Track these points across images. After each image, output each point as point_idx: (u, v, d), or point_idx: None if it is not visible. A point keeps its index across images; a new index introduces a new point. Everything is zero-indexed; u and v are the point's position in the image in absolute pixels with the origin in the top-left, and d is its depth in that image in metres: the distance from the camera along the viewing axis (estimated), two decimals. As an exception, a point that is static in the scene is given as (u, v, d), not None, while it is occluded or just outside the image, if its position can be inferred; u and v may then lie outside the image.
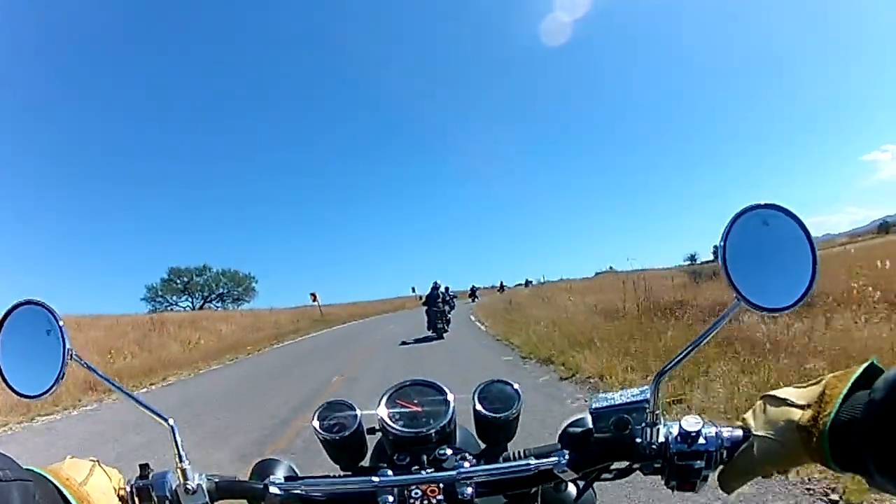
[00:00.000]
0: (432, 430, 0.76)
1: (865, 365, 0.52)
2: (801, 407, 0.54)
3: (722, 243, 0.56)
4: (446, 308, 14.39)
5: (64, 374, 0.62)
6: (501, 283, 50.19)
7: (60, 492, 0.53)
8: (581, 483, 0.68)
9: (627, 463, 0.64)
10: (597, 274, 34.21)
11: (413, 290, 34.10)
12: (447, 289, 25.82)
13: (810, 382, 0.56)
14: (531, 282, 42.94)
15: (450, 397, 0.81)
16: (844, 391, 0.51)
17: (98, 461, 0.61)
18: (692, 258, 42.32)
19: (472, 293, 39.53)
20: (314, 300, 29.81)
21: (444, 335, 13.66)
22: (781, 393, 0.57)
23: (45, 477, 0.53)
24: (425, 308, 14.13)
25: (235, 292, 48.03)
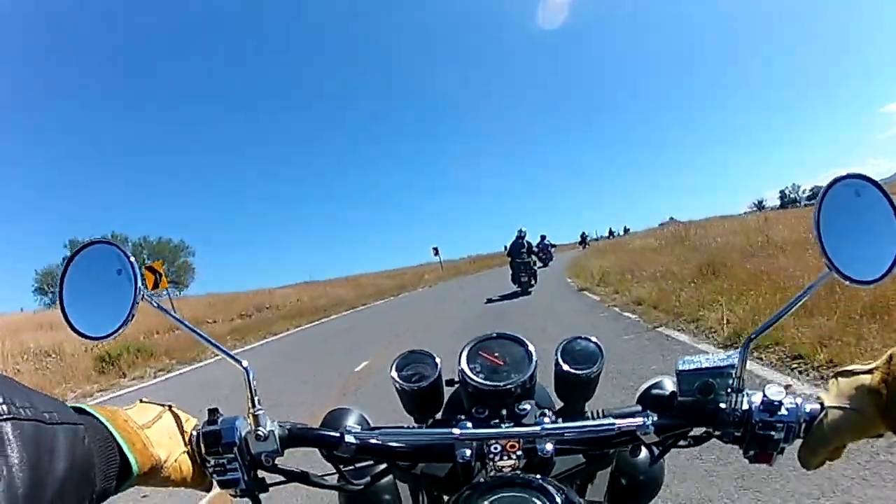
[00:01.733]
0: (513, 385, 0.73)
1: None
2: (870, 372, 0.55)
3: (816, 212, 0.56)
4: (532, 260, 12.66)
5: (134, 314, 0.60)
6: (583, 235, 42.52)
7: (113, 436, 0.50)
8: (657, 449, 0.67)
9: (706, 429, 0.63)
10: (660, 225, 32.15)
11: (435, 251, 29.77)
12: (543, 237, 25.25)
13: (878, 355, 0.55)
14: (586, 236, 40.04)
15: (532, 351, 0.78)
16: None
17: (171, 406, 0.61)
18: (759, 204, 39.90)
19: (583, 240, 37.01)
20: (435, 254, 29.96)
21: (531, 291, 12.08)
22: (851, 367, 0.58)
23: (97, 419, 0.50)
24: (510, 260, 12.70)
25: (170, 274, 31.32)
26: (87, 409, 0.51)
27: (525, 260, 12.21)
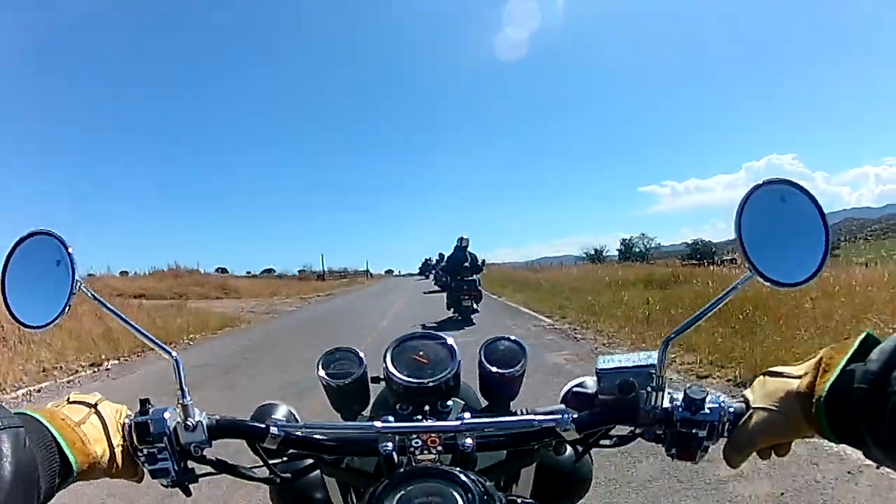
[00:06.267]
0: (436, 382, 0.76)
1: (862, 337, 0.52)
2: (799, 377, 0.55)
3: (738, 214, 0.56)
4: (477, 279, 9.98)
5: (70, 305, 0.61)
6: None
7: (53, 436, 0.52)
8: (580, 447, 0.68)
9: (629, 429, 0.64)
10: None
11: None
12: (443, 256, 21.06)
13: (808, 358, 0.57)
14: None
15: (456, 351, 0.81)
16: (843, 362, 0.51)
17: (101, 399, 0.62)
18: (596, 253, 40.70)
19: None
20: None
21: (474, 319, 9.42)
22: (780, 368, 0.59)
23: (38, 421, 0.52)
24: (438, 278, 10.40)
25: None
26: (26, 411, 0.52)
27: (469, 278, 9.77)
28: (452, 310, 9.99)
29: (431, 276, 25.70)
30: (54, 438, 0.52)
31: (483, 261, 10.68)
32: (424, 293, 19.01)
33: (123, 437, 0.61)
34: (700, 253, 34.28)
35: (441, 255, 21.90)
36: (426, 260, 33.83)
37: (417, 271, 38.01)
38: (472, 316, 9.63)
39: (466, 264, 9.98)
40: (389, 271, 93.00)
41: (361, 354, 0.86)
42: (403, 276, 68.45)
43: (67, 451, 0.52)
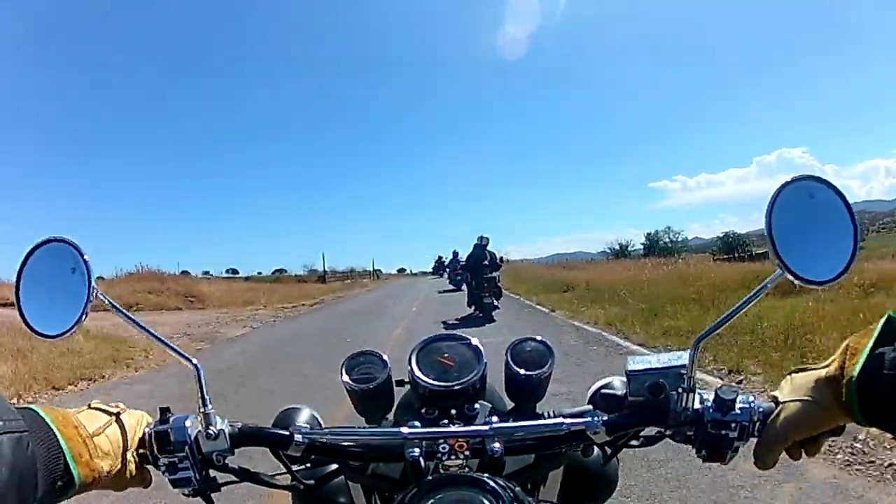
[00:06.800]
0: (462, 385, 0.75)
1: (884, 319, 0.53)
2: (826, 366, 0.56)
3: (768, 211, 0.55)
4: (497, 276, 10.23)
5: (87, 313, 0.60)
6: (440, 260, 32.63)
7: (60, 444, 0.50)
8: (609, 449, 0.67)
9: (658, 429, 0.63)
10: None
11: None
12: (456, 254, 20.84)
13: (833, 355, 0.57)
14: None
15: (482, 352, 0.80)
16: (870, 344, 0.52)
17: (123, 409, 0.61)
18: (621, 248, 38.37)
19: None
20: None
21: (495, 316, 9.75)
22: (807, 366, 0.59)
23: (47, 425, 0.50)
24: (452, 277, 10.30)
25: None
26: (39, 411, 0.51)
27: (489, 275, 10.06)
28: (473, 307, 10.37)
29: (445, 275, 24.34)
30: (60, 447, 0.50)
31: (502, 258, 11.15)
32: (440, 293, 17.92)
33: (143, 445, 0.60)
34: (731, 247, 33.07)
35: (455, 253, 20.76)
36: (439, 258, 31.99)
37: (431, 270, 37.20)
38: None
39: (486, 262, 10.28)
40: (402, 270, 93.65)
41: (385, 358, 0.84)
42: (416, 274, 68.47)
43: (71, 464, 0.51)
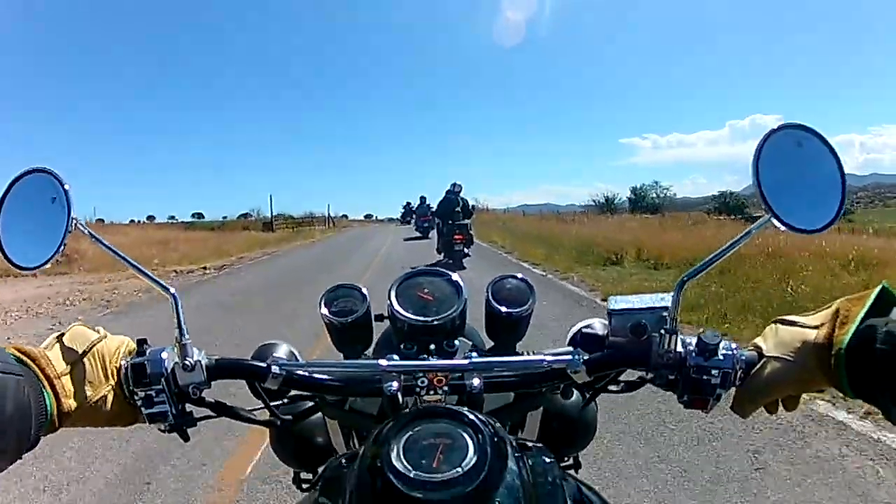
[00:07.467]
0: (442, 321, 0.75)
1: (878, 289, 0.51)
2: (815, 328, 0.54)
3: (755, 158, 0.54)
4: (469, 223, 10.09)
5: (65, 243, 0.59)
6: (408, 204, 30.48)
7: (41, 383, 0.52)
8: (588, 392, 0.67)
9: (639, 375, 0.63)
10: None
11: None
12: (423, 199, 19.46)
13: (820, 308, 0.56)
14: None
15: (462, 288, 0.80)
16: (861, 314, 0.50)
17: (104, 334, 0.60)
18: (607, 202, 37.07)
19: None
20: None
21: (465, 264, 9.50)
22: (792, 317, 0.57)
23: (28, 367, 0.52)
24: (419, 224, 9.34)
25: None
26: (17, 353, 0.52)
27: (461, 221, 9.92)
28: (443, 254, 10.19)
29: (413, 223, 22.55)
30: (41, 385, 0.52)
31: (473, 206, 11.01)
32: (406, 240, 16.44)
33: (119, 378, 0.58)
34: (728, 206, 32.06)
35: (422, 199, 20.04)
36: (407, 203, 29.89)
37: (399, 217, 34.29)
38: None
39: (458, 209, 10.14)
40: (369, 216, 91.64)
41: (365, 291, 0.84)
42: (382, 221, 66.62)
43: (48, 399, 0.52)
